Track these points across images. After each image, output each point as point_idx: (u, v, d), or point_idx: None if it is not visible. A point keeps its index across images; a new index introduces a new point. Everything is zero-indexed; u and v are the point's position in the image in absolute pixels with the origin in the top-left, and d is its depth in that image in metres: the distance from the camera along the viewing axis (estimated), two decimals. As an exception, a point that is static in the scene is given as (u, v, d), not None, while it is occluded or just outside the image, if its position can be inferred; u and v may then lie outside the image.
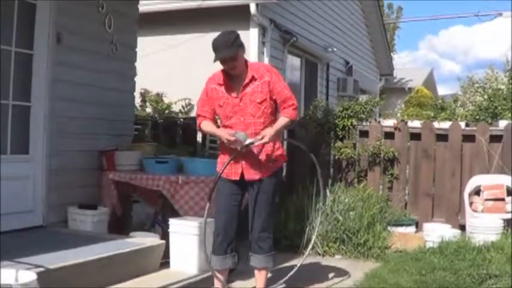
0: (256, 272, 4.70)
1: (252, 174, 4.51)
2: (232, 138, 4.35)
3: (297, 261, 6.15)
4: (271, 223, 4.70)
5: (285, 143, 8.24)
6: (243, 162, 4.49)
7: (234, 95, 4.47)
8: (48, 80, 5.63)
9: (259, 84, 4.47)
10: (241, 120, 4.44)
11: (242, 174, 4.52)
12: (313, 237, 5.79)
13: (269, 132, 4.41)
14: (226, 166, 4.45)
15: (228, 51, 4.32)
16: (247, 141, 4.35)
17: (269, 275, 4.89)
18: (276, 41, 10.67)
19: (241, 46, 4.43)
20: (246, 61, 4.54)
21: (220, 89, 4.50)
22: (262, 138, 4.37)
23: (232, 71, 4.45)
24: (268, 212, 4.60)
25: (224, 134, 4.42)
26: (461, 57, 56.96)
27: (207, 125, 4.59)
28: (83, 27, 6.02)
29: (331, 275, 5.66)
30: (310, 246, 5.67)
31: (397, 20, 30.68)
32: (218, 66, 4.52)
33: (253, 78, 4.47)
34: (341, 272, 5.78)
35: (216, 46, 4.36)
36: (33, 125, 5.57)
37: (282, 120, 4.53)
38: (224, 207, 4.55)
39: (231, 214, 4.55)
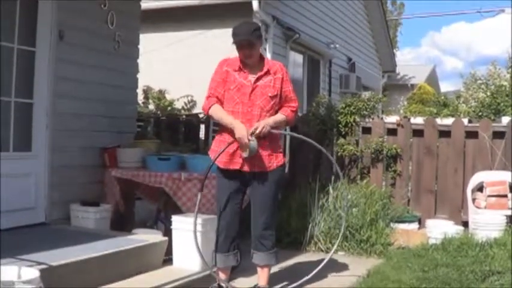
0: (258, 269, 4.68)
1: (254, 167, 4.45)
2: (245, 141, 4.26)
3: (299, 259, 6.17)
4: (274, 220, 4.68)
5: (287, 141, 8.30)
6: (241, 154, 4.42)
7: (247, 82, 4.44)
8: (50, 77, 5.63)
9: (273, 79, 4.48)
10: (248, 111, 4.40)
11: (242, 167, 4.46)
12: (340, 237, 5.68)
13: (262, 123, 4.36)
14: (220, 154, 4.39)
15: (248, 35, 4.35)
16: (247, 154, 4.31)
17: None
18: (279, 37, 10.66)
19: (260, 37, 4.46)
20: (261, 56, 4.56)
21: (234, 73, 4.47)
22: (255, 129, 4.32)
23: (248, 59, 4.44)
24: (271, 209, 4.57)
25: (240, 130, 4.29)
26: (463, 53, 56.98)
27: (218, 111, 4.44)
28: (85, 24, 6.02)
29: (334, 271, 5.65)
30: (340, 239, 5.48)
31: (399, 16, 30.65)
32: (221, 58, 4.53)
33: (268, 72, 4.48)
34: (345, 269, 5.77)
35: (237, 31, 4.40)
36: (36, 122, 5.58)
37: (278, 116, 4.51)
38: (226, 204, 4.52)
39: (233, 211, 4.53)
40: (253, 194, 4.57)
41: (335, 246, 5.24)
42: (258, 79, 4.45)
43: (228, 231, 4.55)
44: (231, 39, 4.44)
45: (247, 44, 4.38)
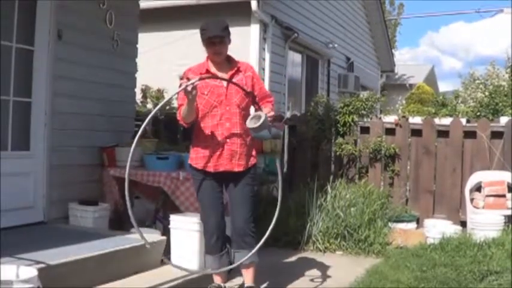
0: (243, 270, 4.58)
1: (230, 166, 4.41)
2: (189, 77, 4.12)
3: (297, 258, 6.18)
4: (254, 218, 4.56)
5: (286, 141, 8.31)
6: (222, 154, 4.38)
7: (219, 84, 4.38)
8: (49, 76, 5.63)
9: (244, 77, 4.45)
10: (227, 110, 4.35)
11: (230, 168, 4.42)
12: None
13: (269, 109, 4.37)
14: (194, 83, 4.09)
15: (220, 32, 4.30)
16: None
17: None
18: (277, 37, 10.66)
19: (229, 35, 4.41)
20: (228, 55, 4.51)
21: None
22: (269, 112, 4.31)
23: (217, 56, 4.38)
24: (251, 207, 4.49)
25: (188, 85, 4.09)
26: (462, 53, 57.01)
27: (183, 109, 4.35)
28: (84, 23, 6.01)
29: (332, 271, 5.66)
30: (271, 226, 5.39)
31: (398, 16, 30.65)
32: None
33: (238, 70, 4.45)
34: (343, 269, 5.77)
35: (207, 27, 4.33)
36: (34, 121, 5.57)
37: (268, 108, 4.44)
38: (212, 206, 4.47)
39: (219, 212, 4.48)
40: (231, 194, 4.51)
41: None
42: (230, 77, 4.40)
43: (218, 232, 4.49)
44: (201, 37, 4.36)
45: (219, 41, 4.33)
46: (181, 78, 4.12)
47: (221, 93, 4.37)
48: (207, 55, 4.48)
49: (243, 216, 4.46)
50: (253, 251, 4.44)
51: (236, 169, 4.43)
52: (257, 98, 4.48)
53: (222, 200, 4.55)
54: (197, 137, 4.50)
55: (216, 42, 4.33)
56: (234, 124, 4.37)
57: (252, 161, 4.53)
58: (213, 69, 4.44)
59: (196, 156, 4.48)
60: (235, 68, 4.45)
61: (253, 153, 4.56)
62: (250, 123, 4.22)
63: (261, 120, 4.15)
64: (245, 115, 4.41)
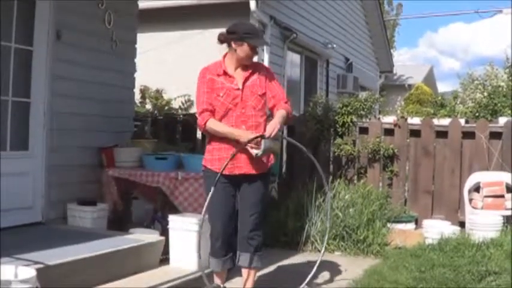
0: (244, 271, 4.55)
1: (247, 169, 4.38)
2: (250, 136, 4.22)
3: (296, 259, 6.18)
4: (263, 221, 4.56)
5: (285, 141, 8.30)
6: (238, 157, 4.34)
7: (235, 86, 4.38)
8: (47, 77, 5.63)
9: (258, 78, 4.44)
10: (242, 112, 4.34)
11: (244, 171, 4.39)
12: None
13: (275, 122, 4.31)
14: (226, 165, 4.25)
15: (265, 41, 4.40)
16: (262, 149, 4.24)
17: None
18: (276, 37, 10.66)
19: None
20: None
21: (218, 79, 4.39)
22: (273, 131, 4.25)
23: (248, 60, 4.42)
24: (261, 210, 4.48)
25: (245, 135, 4.25)
26: (461, 54, 57.00)
27: (218, 125, 4.33)
28: (83, 23, 6.01)
29: (331, 272, 5.65)
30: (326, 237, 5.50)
31: (397, 16, 30.66)
32: (218, 58, 4.51)
33: (254, 71, 4.46)
34: (342, 270, 5.78)
35: (252, 31, 4.41)
36: (33, 121, 5.57)
37: (280, 113, 4.42)
38: (222, 210, 4.41)
39: (229, 217, 4.43)
40: (243, 194, 4.46)
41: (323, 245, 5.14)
42: (246, 79, 4.41)
43: (225, 237, 4.44)
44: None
45: (256, 50, 4.41)
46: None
47: (236, 95, 4.37)
48: (223, 54, 4.48)
49: (252, 221, 4.44)
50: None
51: (252, 172, 4.40)
52: (269, 104, 4.48)
53: (234, 207, 4.49)
54: (212, 139, 4.46)
55: (254, 50, 4.40)
56: (249, 127, 4.34)
57: (269, 163, 4.49)
58: (229, 70, 4.43)
59: (212, 158, 4.44)
60: (251, 69, 4.45)
61: (271, 156, 4.51)
62: (255, 153, 4.27)
63: (262, 148, 4.22)
64: (263, 116, 4.43)
